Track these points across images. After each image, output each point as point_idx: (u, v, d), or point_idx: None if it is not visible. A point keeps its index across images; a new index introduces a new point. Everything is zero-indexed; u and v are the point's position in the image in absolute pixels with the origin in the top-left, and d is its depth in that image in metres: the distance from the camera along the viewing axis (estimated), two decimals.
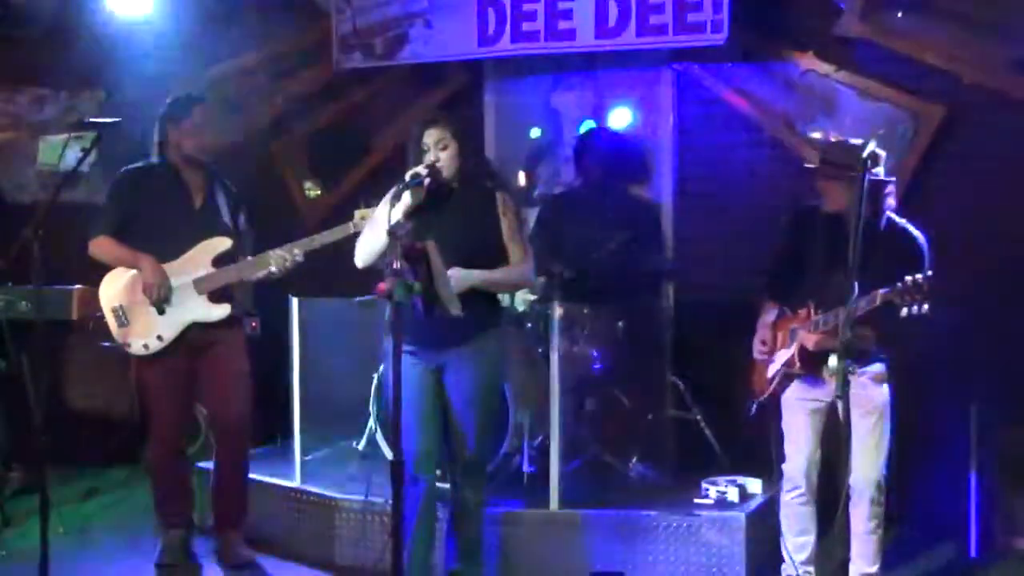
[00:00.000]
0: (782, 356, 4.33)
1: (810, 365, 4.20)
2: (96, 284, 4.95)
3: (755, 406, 4.47)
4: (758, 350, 4.47)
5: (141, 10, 6.66)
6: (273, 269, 4.76)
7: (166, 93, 5.05)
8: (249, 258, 4.89)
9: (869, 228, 3.82)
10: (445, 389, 4.26)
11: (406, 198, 4.07)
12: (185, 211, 4.89)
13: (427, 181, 4.09)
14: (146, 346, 4.84)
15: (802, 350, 4.21)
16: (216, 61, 7.10)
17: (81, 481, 6.37)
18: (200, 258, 4.85)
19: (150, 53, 6.65)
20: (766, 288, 4.53)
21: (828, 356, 3.76)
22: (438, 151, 4.18)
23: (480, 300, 4.17)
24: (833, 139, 4.49)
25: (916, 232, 4.18)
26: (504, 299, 5.13)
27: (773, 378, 4.37)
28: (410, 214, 4.08)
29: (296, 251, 4.74)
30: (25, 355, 5.52)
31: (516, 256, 4.25)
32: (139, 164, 4.97)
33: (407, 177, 4.07)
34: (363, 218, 4.46)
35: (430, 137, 4.19)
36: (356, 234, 4.46)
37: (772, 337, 4.42)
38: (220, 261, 4.86)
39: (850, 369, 3.52)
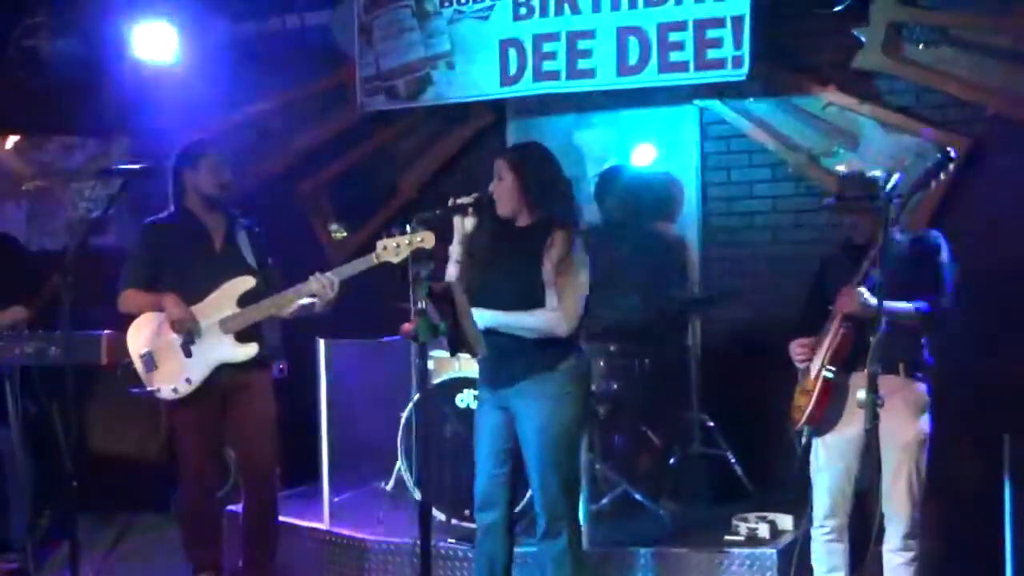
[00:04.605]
0: (825, 345, 4.21)
1: (856, 336, 4.04)
2: (125, 330, 4.99)
3: (806, 433, 4.32)
4: (797, 353, 4.34)
5: (167, 57, 6.75)
6: (301, 302, 4.76)
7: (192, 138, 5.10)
8: (273, 296, 4.92)
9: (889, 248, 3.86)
10: (516, 429, 4.22)
11: (457, 225, 4.11)
12: (206, 254, 4.92)
13: (470, 209, 4.09)
14: (175, 390, 4.86)
15: (847, 321, 4.12)
16: (242, 106, 7.17)
17: (111, 526, 6.38)
18: (224, 299, 4.86)
19: (177, 99, 6.72)
20: (796, 332, 4.44)
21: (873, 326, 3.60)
22: (496, 182, 4.18)
23: (535, 342, 4.11)
24: (847, 172, 4.47)
25: (927, 231, 4.30)
26: None
27: (819, 374, 4.21)
28: (470, 250, 4.12)
29: (330, 281, 4.73)
30: (55, 401, 5.56)
31: (550, 301, 4.11)
32: (160, 215, 5.01)
33: (448, 202, 4.10)
34: (385, 248, 4.44)
35: (495, 167, 4.20)
36: (381, 265, 4.46)
37: (810, 343, 4.32)
38: (245, 300, 4.87)
39: (879, 401, 3.50)
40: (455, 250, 4.21)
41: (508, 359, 4.09)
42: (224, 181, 4.95)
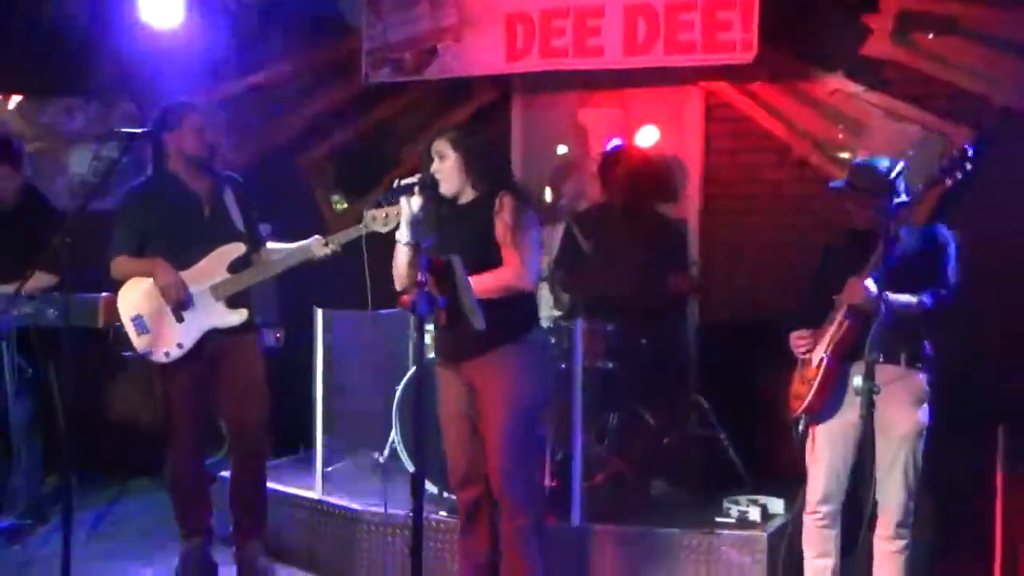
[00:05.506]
0: (828, 334, 4.17)
1: (860, 328, 3.98)
2: None
3: (803, 421, 4.27)
4: (797, 345, 4.29)
5: (172, 22, 6.72)
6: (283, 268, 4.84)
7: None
8: (262, 261, 4.95)
9: (894, 242, 3.86)
10: (477, 404, 4.21)
11: (404, 207, 4.12)
12: (195, 220, 4.91)
13: (416, 189, 4.11)
14: (167, 354, 4.86)
15: (852, 313, 4.08)
16: (246, 73, 7.15)
17: (106, 488, 6.40)
18: (215, 265, 4.87)
19: (181, 65, 6.69)
20: (797, 317, 4.40)
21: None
22: (438, 162, 4.19)
23: (496, 312, 4.03)
24: (860, 160, 4.45)
25: (936, 227, 4.25)
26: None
27: (820, 364, 4.17)
28: (428, 228, 4.10)
29: (323, 247, 4.77)
30: (52, 362, 5.56)
31: (507, 259, 4.11)
32: (140, 181, 5.01)
33: (393, 186, 4.14)
34: (373, 219, 4.46)
35: (433, 148, 4.22)
36: (371, 235, 4.48)
37: (811, 335, 4.27)
38: (235, 266, 4.89)
39: (875, 390, 3.50)
40: (404, 232, 4.20)
41: (470, 333, 4.00)
42: (207, 145, 4.95)
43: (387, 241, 4.36)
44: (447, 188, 4.20)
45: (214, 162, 5.02)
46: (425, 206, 4.15)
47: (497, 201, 4.14)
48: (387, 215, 4.41)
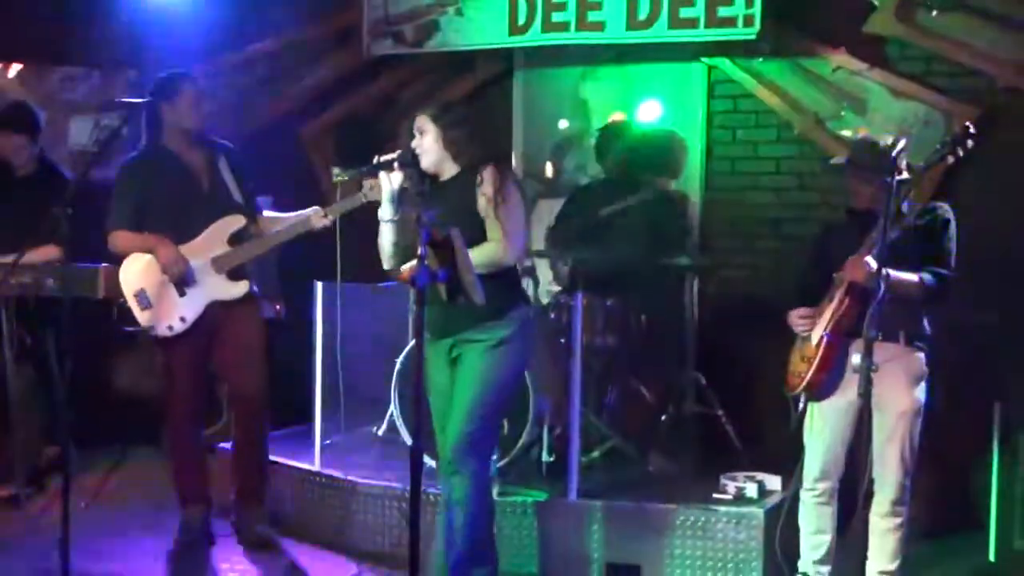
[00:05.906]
0: (828, 312, 4.17)
1: (861, 303, 3.97)
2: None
3: (802, 398, 4.29)
4: (798, 323, 4.30)
5: None
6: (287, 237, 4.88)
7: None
8: (261, 233, 4.97)
9: (895, 221, 3.86)
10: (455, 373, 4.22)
11: (384, 184, 4.12)
12: (193, 195, 4.91)
13: (395, 165, 4.11)
14: (170, 327, 4.88)
15: (851, 289, 4.08)
16: (248, 43, 7.12)
17: (105, 457, 6.40)
18: (215, 237, 4.89)
19: (182, 34, 6.67)
20: (795, 296, 4.41)
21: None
22: (419, 138, 4.18)
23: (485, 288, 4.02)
24: (861, 137, 4.44)
25: (936, 204, 4.25)
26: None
27: (820, 342, 4.18)
28: (411, 204, 4.09)
29: (321, 218, 4.78)
30: (51, 332, 5.56)
31: (491, 233, 4.10)
32: (135, 154, 4.99)
33: (373, 162, 4.14)
34: (372, 188, 4.46)
35: (415, 124, 4.20)
36: (369, 204, 4.48)
37: (811, 313, 4.27)
38: (235, 239, 4.91)
39: (873, 368, 3.50)
40: (385, 210, 4.18)
41: (458, 308, 3.93)
42: (205, 113, 4.96)
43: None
44: (427, 163, 4.17)
45: (209, 133, 5.01)
46: (405, 182, 4.14)
47: (479, 175, 4.12)
48: None
